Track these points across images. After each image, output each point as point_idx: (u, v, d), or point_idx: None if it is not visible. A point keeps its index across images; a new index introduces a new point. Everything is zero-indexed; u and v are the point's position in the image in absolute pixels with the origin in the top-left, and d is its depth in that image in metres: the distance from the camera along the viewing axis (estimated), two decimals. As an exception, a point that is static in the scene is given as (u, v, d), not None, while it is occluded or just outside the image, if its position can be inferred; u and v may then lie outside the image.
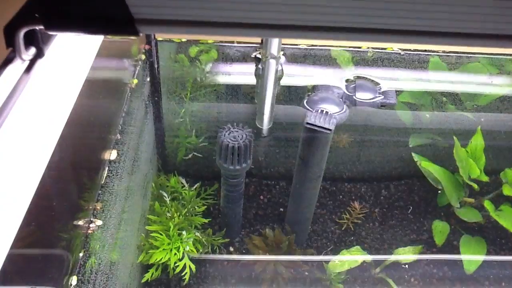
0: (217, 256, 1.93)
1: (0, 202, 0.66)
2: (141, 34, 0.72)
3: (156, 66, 1.84)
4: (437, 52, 2.30)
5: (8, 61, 0.73)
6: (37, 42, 0.77)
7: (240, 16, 0.71)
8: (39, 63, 0.78)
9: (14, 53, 0.74)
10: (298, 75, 2.21)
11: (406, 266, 1.98)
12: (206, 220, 1.90)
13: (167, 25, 0.72)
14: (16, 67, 0.74)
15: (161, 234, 1.74)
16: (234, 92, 2.27)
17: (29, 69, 0.77)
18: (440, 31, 0.77)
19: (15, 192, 0.69)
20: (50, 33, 0.75)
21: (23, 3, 0.75)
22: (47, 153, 0.79)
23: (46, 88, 0.79)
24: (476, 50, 2.32)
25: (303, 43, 2.21)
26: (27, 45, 0.76)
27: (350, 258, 1.89)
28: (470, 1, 0.72)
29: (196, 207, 1.95)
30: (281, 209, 2.18)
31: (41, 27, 0.70)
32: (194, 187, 2.03)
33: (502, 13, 0.72)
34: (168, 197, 1.94)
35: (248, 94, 2.27)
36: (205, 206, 1.99)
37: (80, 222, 1.12)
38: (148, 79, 1.84)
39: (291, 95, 2.26)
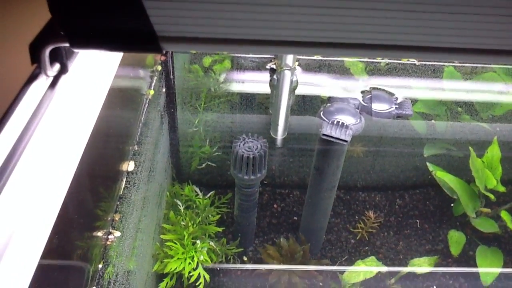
0: (231, 266, 1.93)
1: (31, 217, 0.66)
2: (164, 51, 0.73)
3: (171, 76, 1.86)
4: (452, 61, 2.29)
5: (34, 77, 0.75)
6: (62, 58, 0.79)
7: (261, 34, 0.71)
8: (63, 78, 0.80)
9: (39, 70, 0.76)
10: (313, 85, 2.21)
11: None
12: (220, 229, 1.91)
13: (189, 42, 0.73)
14: (41, 83, 0.76)
15: (175, 243, 1.74)
16: (249, 102, 2.28)
17: (53, 85, 0.78)
18: (459, 47, 0.77)
19: (43, 205, 0.70)
20: (75, 50, 0.76)
21: (47, 20, 0.77)
22: (73, 167, 0.80)
23: (70, 103, 0.80)
24: (491, 59, 2.29)
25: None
26: (52, 61, 0.77)
27: (365, 269, 1.88)
28: (482, 17, 0.72)
29: (210, 216, 1.95)
30: (295, 218, 2.18)
31: (66, 44, 0.71)
32: (208, 195, 2.04)
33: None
34: (182, 206, 1.95)
35: (262, 104, 2.28)
36: (219, 215, 1.99)
37: (99, 234, 1.13)
38: (164, 89, 1.86)
39: (305, 105, 2.26)
